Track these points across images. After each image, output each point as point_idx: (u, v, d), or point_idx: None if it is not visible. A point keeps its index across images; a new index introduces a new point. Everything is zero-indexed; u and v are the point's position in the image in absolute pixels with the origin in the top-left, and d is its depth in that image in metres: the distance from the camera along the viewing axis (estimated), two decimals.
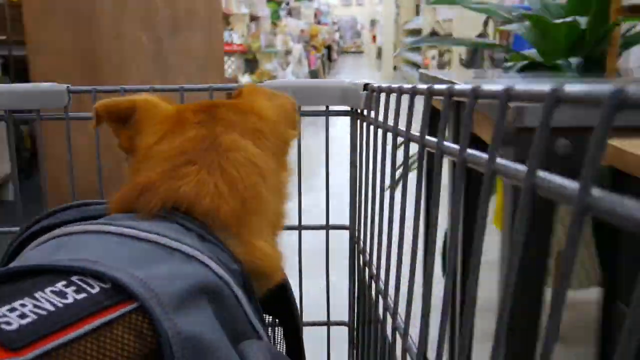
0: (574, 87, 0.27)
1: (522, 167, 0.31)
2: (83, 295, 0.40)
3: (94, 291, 0.40)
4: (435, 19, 8.56)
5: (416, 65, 10.46)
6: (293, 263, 0.89)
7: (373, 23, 23.99)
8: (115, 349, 0.38)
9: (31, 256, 0.49)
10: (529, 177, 0.29)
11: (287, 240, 0.85)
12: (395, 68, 14.12)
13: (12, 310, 0.37)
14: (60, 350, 0.36)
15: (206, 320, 0.44)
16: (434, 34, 7.93)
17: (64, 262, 0.42)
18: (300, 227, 0.90)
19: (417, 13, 12.03)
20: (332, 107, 0.86)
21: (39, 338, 0.35)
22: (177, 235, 0.49)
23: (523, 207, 0.30)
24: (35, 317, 0.37)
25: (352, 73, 15.75)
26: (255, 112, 0.63)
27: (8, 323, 0.35)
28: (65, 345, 0.36)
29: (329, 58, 13.89)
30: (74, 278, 0.41)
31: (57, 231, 0.51)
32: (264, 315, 0.77)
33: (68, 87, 0.84)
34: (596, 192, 0.24)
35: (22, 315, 0.36)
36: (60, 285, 0.40)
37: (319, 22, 13.71)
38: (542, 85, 0.29)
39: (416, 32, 10.96)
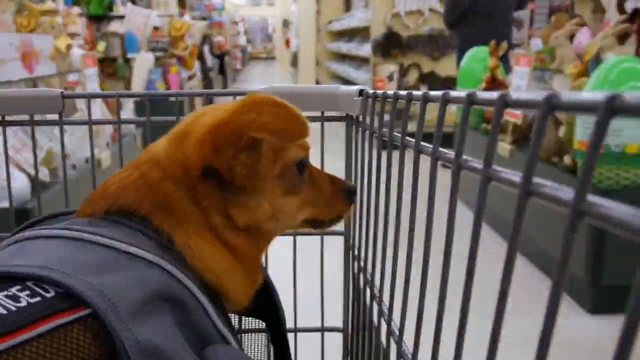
0: (568, 94, 0.27)
1: (517, 174, 0.31)
2: (37, 299, 0.40)
3: (48, 295, 0.41)
4: (392, 12, 5.74)
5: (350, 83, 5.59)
6: (287, 269, 0.89)
7: (286, 24, 20.24)
8: (70, 349, 0.39)
9: None
10: (524, 183, 0.30)
11: (282, 246, 0.85)
12: (317, 82, 10.19)
13: None
14: (11, 352, 0.36)
15: (166, 328, 0.44)
16: (390, 35, 5.63)
17: (20, 269, 0.42)
18: (295, 233, 0.90)
19: (348, 9, 8.65)
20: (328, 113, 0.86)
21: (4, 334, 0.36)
22: (137, 242, 0.49)
23: (518, 212, 0.30)
24: None
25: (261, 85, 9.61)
26: (194, 121, 0.58)
27: None
28: (17, 347, 0.37)
29: (222, 71, 9.56)
30: (29, 283, 0.41)
31: (18, 236, 0.51)
32: (250, 318, 0.77)
33: (62, 92, 0.83)
34: (591, 197, 0.25)
35: None
36: (14, 289, 0.40)
37: (204, 19, 9.24)
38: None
39: (349, 33, 8.04)
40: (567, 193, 0.26)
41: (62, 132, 0.86)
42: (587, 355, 1.91)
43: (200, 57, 6.08)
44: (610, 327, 2.04)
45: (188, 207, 0.54)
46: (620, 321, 0.22)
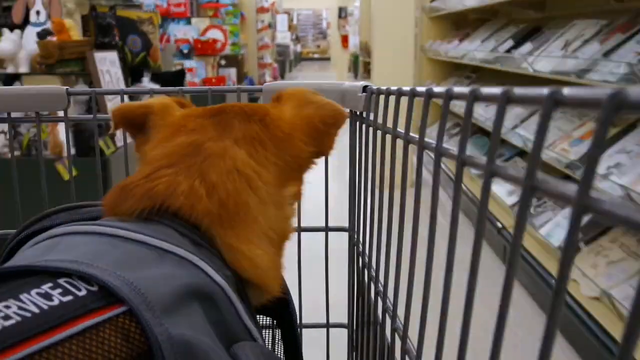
0: (573, 90, 0.27)
1: (520, 169, 0.31)
2: (69, 297, 0.39)
3: (80, 294, 0.40)
4: None
5: None
6: (292, 265, 0.89)
7: (343, 14, 14.73)
8: (102, 351, 0.38)
9: (24, 256, 0.49)
10: (528, 179, 0.29)
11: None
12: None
13: None
14: (43, 353, 0.36)
15: (197, 324, 0.44)
16: None
17: (54, 264, 0.42)
18: (299, 229, 0.90)
19: None
20: None
21: (21, 340, 0.35)
22: (169, 238, 0.49)
23: (522, 207, 0.30)
24: (19, 319, 0.36)
25: None
26: (265, 120, 0.61)
27: None
28: (49, 348, 0.36)
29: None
30: (61, 280, 0.41)
31: (52, 231, 0.51)
32: (262, 316, 0.77)
33: (67, 89, 0.84)
34: (594, 193, 0.24)
35: (6, 317, 0.36)
36: (46, 287, 0.40)
37: None
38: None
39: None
40: (571, 188, 0.26)
41: (67, 128, 0.86)
42: None
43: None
44: None
45: (252, 215, 0.55)
46: None
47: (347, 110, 0.85)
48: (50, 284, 0.40)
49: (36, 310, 0.37)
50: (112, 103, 2.88)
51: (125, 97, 0.87)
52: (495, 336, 0.33)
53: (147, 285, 0.42)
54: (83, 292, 0.40)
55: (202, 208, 0.53)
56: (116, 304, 0.40)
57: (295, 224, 0.63)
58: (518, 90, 0.32)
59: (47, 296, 0.39)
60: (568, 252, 0.26)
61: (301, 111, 0.63)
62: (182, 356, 0.40)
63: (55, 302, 0.39)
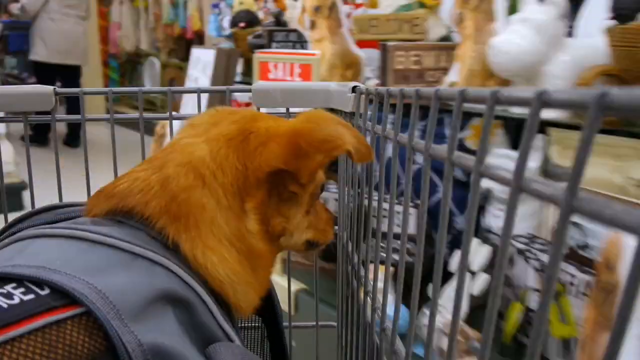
0: (560, 91, 0.27)
1: (509, 170, 0.31)
2: (31, 296, 0.40)
3: (42, 293, 0.40)
4: None
5: None
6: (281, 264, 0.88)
7: None
8: (64, 346, 0.38)
9: None
10: (516, 179, 0.30)
11: None
12: None
13: None
14: (8, 344, 0.36)
15: (169, 329, 0.44)
16: None
17: (17, 269, 0.42)
18: None
19: None
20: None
21: None
22: (139, 241, 0.48)
23: (510, 208, 0.31)
24: None
25: None
26: (248, 124, 0.57)
27: None
28: (6, 343, 0.36)
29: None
30: (26, 282, 0.41)
31: (20, 234, 0.50)
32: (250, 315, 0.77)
33: (55, 89, 0.83)
34: (582, 194, 0.25)
35: None
36: (9, 287, 0.40)
37: None
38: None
39: None
40: (558, 189, 0.26)
41: (54, 129, 0.86)
42: None
43: None
44: None
45: (207, 216, 0.52)
46: None
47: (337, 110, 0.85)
48: (13, 284, 0.41)
49: (12, 302, 0.38)
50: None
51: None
52: (484, 335, 0.33)
53: (116, 292, 0.41)
54: (45, 292, 0.40)
55: (155, 206, 0.51)
56: (76, 305, 0.40)
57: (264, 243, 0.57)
58: (506, 91, 0.32)
59: (9, 295, 0.39)
60: (556, 253, 0.27)
61: (295, 124, 0.56)
62: None
63: (16, 300, 0.39)
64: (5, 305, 0.38)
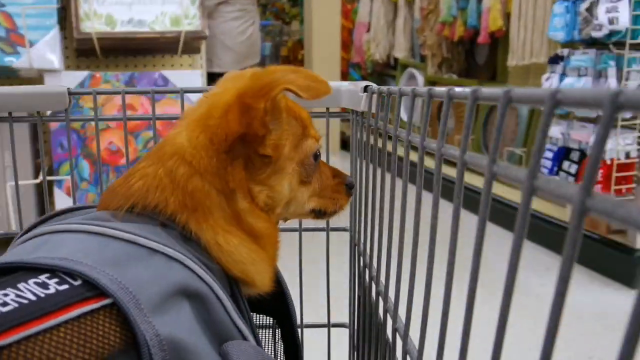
0: (574, 89, 0.27)
1: (522, 169, 0.31)
2: (65, 286, 0.41)
3: (76, 283, 0.41)
4: None
5: None
6: (293, 265, 0.89)
7: None
8: (97, 336, 0.39)
9: (14, 252, 0.50)
10: (530, 179, 0.29)
11: (288, 242, 0.85)
12: None
13: None
14: (39, 336, 0.37)
15: (187, 322, 0.45)
16: None
17: (45, 260, 0.43)
18: (300, 229, 0.90)
19: None
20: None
21: (18, 324, 0.37)
22: (158, 237, 0.49)
23: (524, 208, 0.30)
24: (16, 305, 0.38)
25: None
26: (213, 102, 0.58)
27: None
28: (45, 332, 0.37)
29: None
30: (59, 272, 0.42)
31: (39, 229, 0.51)
32: (262, 315, 0.77)
33: (69, 89, 0.84)
34: (596, 193, 0.25)
35: (4, 304, 0.38)
36: (43, 277, 0.41)
37: None
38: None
39: None
40: (572, 189, 0.26)
41: (68, 129, 0.86)
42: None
43: None
44: None
45: (215, 201, 0.55)
46: None
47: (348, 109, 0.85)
48: (47, 274, 0.42)
49: (33, 298, 0.39)
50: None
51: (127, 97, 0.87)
52: (497, 336, 0.33)
53: (135, 284, 0.42)
54: (78, 282, 0.41)
55: (174, 201, 0.53)
56: (105, 296, 0.41)
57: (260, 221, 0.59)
58: (519, 91, 0.32)
59: (44, 285, 0.40)
60: (570, 251, 0.26)
61: (241, 85, 0.56)
62: (169, 353, 0.41)
63: (52, 290, 0.40)
64: (42, 295, 0.39)
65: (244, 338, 0.51)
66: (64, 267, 0.42)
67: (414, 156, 0.47)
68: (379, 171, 0.67)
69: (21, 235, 0.56)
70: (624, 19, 2.23)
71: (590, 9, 2.35)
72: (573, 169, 2.51)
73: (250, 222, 0.57)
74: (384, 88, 0.66)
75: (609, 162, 2.40)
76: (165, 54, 2.30)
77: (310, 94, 0.55)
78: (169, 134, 0.59)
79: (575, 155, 2.55)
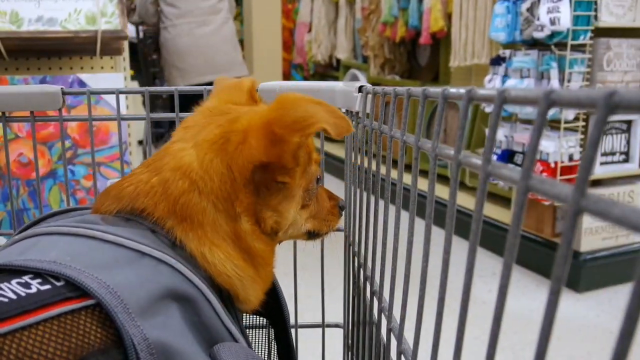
0: (568, 90, 0.27)
1: (516, 169, 0.31)
2: (47, 286, 0.41)
3: (58, 284, 0.42)
4: None
5: None
6: (288, 265, 0.89)
7: None
8: (77, 334, 0.40)
9: (2, 255, 0.50)
10: (524, 179, 0.30)
11: (284, 242, 0.84)
12: None
13: None
14: (17, 333, 0.37)
15: (175, 325, 0.45)
16: None
17: (33, 263, 0.43)
18: None
19: None
20: None
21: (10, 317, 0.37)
22: (147, 241, 0.49)
23: (518, 208, 0.30)
24: None
25: None
26: (230, 125, 0.57)
27: None
28: (23, 329, 0.38)
29: None
30: (43, 274, 0.42)
31: (30, 231, 0.51)
32: (256, 316, 0.77)
33: (62, 88, 0.83)
34: (591, 193, 0.25)
35: None
36: (27, 277, 0.42)
37: None
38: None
39: None
40: (566, 189, 0.26)
41: (62, 128, 0.86)
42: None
43: None
44: None
45: (209, 218, 0.54)
46: None
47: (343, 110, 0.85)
48: (31, 275, 0.42)
49: (14, 297, 0.39)
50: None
51: (122, 97, 0.87)
52: (491, 335, 0.33)
53: (124, 287, 0.42)
54: (61, 283, 0.42)
55: (163, 208, 0.53)
56: (89, 297, 0.42)
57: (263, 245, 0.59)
58: (514, 91, 0.32)
59: (27, 285, 0.41)
60: (565, 252, 0.26)
61: (267, 114, 0.55)
62: (159, 357, 0.41)
63: (33, 289, 0.41)
64: (23, 294, 0.40)
65: (235, 340, 0.51)
66: (50, 270, 0.42)
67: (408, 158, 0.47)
68: (373, 172, 0.67)
69: (18, 233, 0.56)
70: (565, 20, 2.22)
71: (531, 9, 2.36)
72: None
73: (250, 243, 0.57)
74: (379, 88, 0.66)
75: (552, 164, 2.40)
76: (82, 55, 2.09)
77: (337, 132, 0.55)
78: (171, 147, 0.58)
79: (519, 158, 2.55)
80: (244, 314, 0.78)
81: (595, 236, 2.46)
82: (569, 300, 2.29)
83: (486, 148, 0.35)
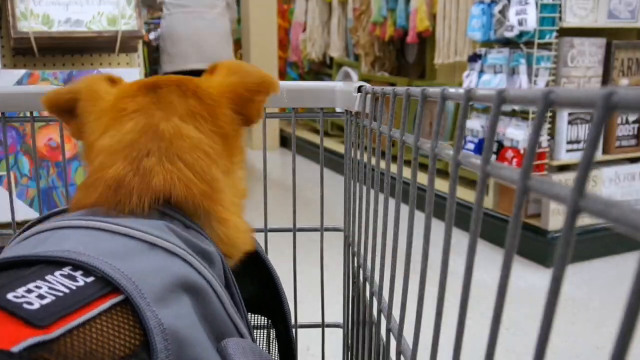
0: (567, 90, 0.27)
1: (515, 169, 0.31)
2: (92, 278, 0.41)
3: (89, 280, 0.41)
4: None
5: None
6: (288, 265, 0.89)
7: None
8: (128, 327, 0.40)
9: (15, 250, 0.49)
10: (523, 179, 0.30)
11: (282, 242, 0.85)
12: None
13: (29, 291, 0.38)
14: (80, 328, 0.37)
15: (187, 315, 0.45)
16: None
17: (57, 253, 0.43)
18: (294, 229, 0.90)
19: None
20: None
21: (61, 317, 0.37)
22: (159, 232, 0.49)
23: (517, 208, 0.30)
24: (53, 297, 0.38)
25: None
26: (198, 93, 0.61)
27: (29, 303, 0.37)
28: (84, 324, 0.38)
29: None
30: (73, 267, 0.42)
31: (40, 226, 0.51)
32: (257, 315, 0.77)
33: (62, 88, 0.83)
34: (590, 193, 0.25)
35: (41, 296, 0.38)
36: (67, 269, 0.41)
37: None
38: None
39: None
40: (565, 190, 0.26)
41: (62, 128, 0.86)
42: None
43: None
44: None
45: (222, 183, 0.59)
46: None
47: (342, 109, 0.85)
48: (70, 267, 0.42)
49: (66, 290, 0.39)
50: None
51: None
52: (490, 336, 0.33)
53: (138, 275, 0.43)
54: (92, 278, 0.41)
55: (198, 192, 0.56)
56: (115, 293, 0.41)
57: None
58: (512, 91, 0.32)
59: (72, 277, 0.41)
60: (564, 252, 0.26)
61: (227, 79, 0.64)
62: (171, 343, 0.41)
63: (81, 282, 0.40)
64: (74, 287, 0.40)
65: (240, 334, 0.51)
66: (75, 260, 0.42)
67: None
68: (373, 172, 0.67)
69: (19, 234, 0.56)
70: (531, 21, 2.48)
71: (503, 11, 2.63)
72: (492, 159, 2.71)
73: (242, 190, 0.63)
74: (378, 88, 0.66)
75: (522, 151, 2.62)
76: (102, 53, 2.34)
77: (275, 89, 0.69)
78: (162, 125, 0.58)
79: (494, 147, 2.71)
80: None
81: (562, 216, 2.63)
82: (538, 274, 2.55)
83: (485, 147, 0.35)
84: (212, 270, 0.51)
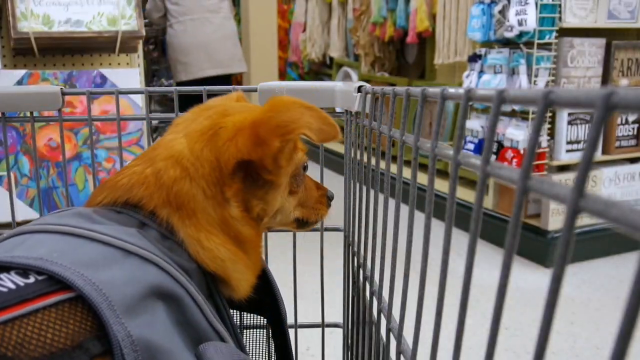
0: (566, 90, 0.27)
1: (515, 169, 0.31)
2: (43, 276, 0.43)
3: (40, 278, 0.43)
4: None
5: None
6: (287, 265, 0.89)
7: None
8: (73, 322, 0.41)
9: None
10: (523, 179, 0.30)
11: (282, 242, 0.85)
12: None
13: None
14: (17, 320, 0.39)
15: (160, 324, 0.45)
16: None
17: (18, 259, 0.44)
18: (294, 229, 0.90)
19: None
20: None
21: (1, 309, 0.39)
22: (134, 239, 0.50)
23: (517, 207, 0.30)
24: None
25: None
26: (219, 118, 0.60)
27: None
28: (23, 317, 0.40)
29: None
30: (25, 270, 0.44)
31: (20, 228, 0.52)
32: (250, 314, 0.77)
33: (62, 89, 0.83)
34: (589, 194, 0.25)
35: None
36: (12, 273, 0.43)
37: None
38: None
39: None
40: (565, 190, 0.26)
41: (62, 129, 0.86)
42: None
43: None
44: None
45: (200, 205, 0.56)
46: None
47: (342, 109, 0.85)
48: (15, 271, 0.43)
49: (13, 286, 0.41)
50: None
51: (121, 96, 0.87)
52: (490, 336, 0.33)
53: (109, 285, 0.43)
54: (43, 277, 0.43)
55: (158, 197, 0.55)
56: (70, 289, 0.43)
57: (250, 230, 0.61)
58: (513, 91, 0.32)
59: (25, 275, 0.43)
60: (564, 252, 0.27)
61: (257, 115, 0.57)
62: (142, 354, 0.42)
63: (31, 280, 0.42)
64: (22, 284, 0.41)
65: (221, 339, 0.51)
66: (37, 266, 0.43)
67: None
68: (373, 172, 0.67)
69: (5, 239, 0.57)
70: (531, 21, 2.48)
71: (502, 12, 2.63)
72: (492, 159, 2.71)
73: (238, 228, 0.59)
74: (378, 88, 0.66)
75: (522, 151, 2.61)
76: (102, 53, 2.35)
77: (321, 138, 0.57)
78: (163, 139, 0.61)
79: (494, 147, 2.71)
80: (243, 314, 0.79)
81: (562, 216, 2.53)
82: (538, 274, 2.54)
83: (485, 148, 0.35)
84: (189, 278, 0.51)
